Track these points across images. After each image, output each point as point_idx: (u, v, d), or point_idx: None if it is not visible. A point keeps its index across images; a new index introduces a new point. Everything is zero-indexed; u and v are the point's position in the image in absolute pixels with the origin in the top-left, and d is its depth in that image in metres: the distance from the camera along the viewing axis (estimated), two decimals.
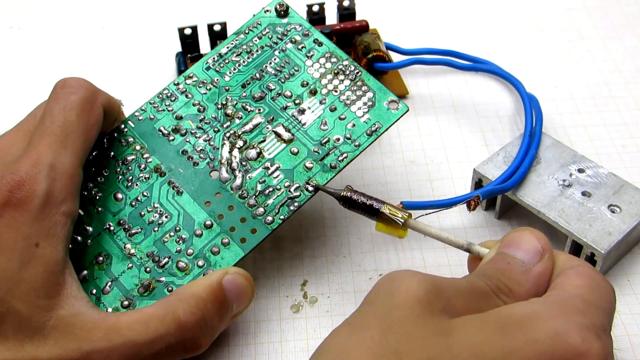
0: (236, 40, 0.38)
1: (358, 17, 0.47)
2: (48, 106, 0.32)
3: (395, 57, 0.46)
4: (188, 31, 0.45)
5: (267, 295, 0.35)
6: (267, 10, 0.38)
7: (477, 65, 0.45)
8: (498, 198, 0.37)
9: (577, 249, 0.34)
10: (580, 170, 0.37)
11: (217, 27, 0.44)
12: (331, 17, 0.47)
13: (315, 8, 0.45)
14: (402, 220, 0.31)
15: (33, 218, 0.29)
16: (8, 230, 0.28)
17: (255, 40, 0.38)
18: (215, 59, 0.37)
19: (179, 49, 0.46)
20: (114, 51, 0.50)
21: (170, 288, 0.32)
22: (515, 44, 0.49)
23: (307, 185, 0.33)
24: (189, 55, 0.45)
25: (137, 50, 0.50)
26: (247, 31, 0.38)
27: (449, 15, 0.52)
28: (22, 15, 0.53)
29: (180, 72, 0.45)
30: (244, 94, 0.36)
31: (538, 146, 0.38)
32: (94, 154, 0.35)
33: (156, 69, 0.48)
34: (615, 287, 0.27)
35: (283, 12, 0.38)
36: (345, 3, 0.46)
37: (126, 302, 0.32)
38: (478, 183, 0.38)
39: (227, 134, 0.35)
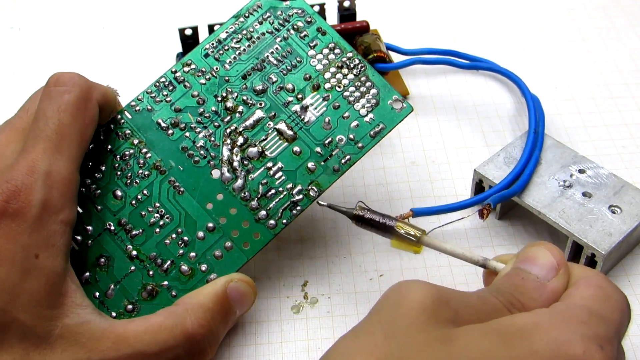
0: (236, 24, 0.36)
1: (358, 18, 0.47)
2: (41, 106, 0.31)
3: (396, 58, 0.46)
4: (188, 32, 0.45)
5: (267, 295, 0.35)
6: None
7: (477, 64, 0.45)
8: None
9: (577, 249, 0.34)
10: (581, 171, 0.37)
11: (217, 28, 0.44)
12: (332, 18, 0.47)
13: (316, 8, 0.45)
14: (416, 238, 0.31)
15: (31, 228, 0.28)
16: (6, 241, 0.28)
17: (256, 26, 0.36)
18: (214, 45, 0.36)
19: (180, 49, 0.46)
20: (115, 52, 0.50)
21: (174, 293, 0.32)
22: (516, 44, 0.49)
23: (319, 202, 0.33)
24: None
25: (138, 50, 0.50)
26: (247, 14, 0.37)
27: (449, 15, 0.52)
28: (23, 16, 0.53)
29: None
30: (245, 86, 0.35)
31: (542, 147, 0.38)
32: (90, 147, 0.34)
33: (157, 69, 0.48)
34: None
35: None
36: (346, 3, 0.46)
37: (130, 307, 0.31)
38: (479, 184, 0.38)
39: (228, 130, 0.34)
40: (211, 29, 0.44)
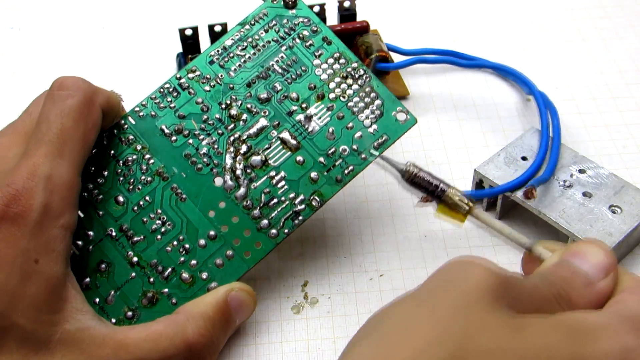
0: (241, 32, 0.36)
1: (358, 18, 0.47)
2: (44, 110, 0.31)
3: (396, 58, 0.46)
4: (189, 32, 0.45)
5: (267, 296, 0.35)
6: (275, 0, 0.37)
7: (479, 63, 0.45)
8: (499, 198, 0.37)
9: None
10: (581, 171, 0.37)
11: (217, 28, 0.44)
12: (332, 18, 0.47)
13: (316, 9, 0.45)
14: (468, 207, 0.30)
15: (31, 233, 0.28)
16: (5, 246, 0.28)
17: (262, 34, 0.36)
18: (219, 52, 0.36)
19: (180, 49, 0.46)
20: (115, 52, 0.50)
21: (174, 301, 0.32)
22: (516, 44, 0.49)
23: (371, 152, 0.33)
24: (189, 56, 0.45)
25: (138, 51, 0.50)
26: (252, 22, 0.36)
27: (449, 16, 0.52)
28: (23, 16, 0.53)
29: None
30: (249, 94, 0.35)
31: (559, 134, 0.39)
32: (93, 152, 0.34)
33: (157, 70, 0.48)
34: None
35: (291, 2, 0.37)
36: (346, 4, 0.46)
37: (130, 313, 0.31)
38: (479, 184, 0.38)
39: (231, 138, 0.34)
40: (211, 29, 0.44)
